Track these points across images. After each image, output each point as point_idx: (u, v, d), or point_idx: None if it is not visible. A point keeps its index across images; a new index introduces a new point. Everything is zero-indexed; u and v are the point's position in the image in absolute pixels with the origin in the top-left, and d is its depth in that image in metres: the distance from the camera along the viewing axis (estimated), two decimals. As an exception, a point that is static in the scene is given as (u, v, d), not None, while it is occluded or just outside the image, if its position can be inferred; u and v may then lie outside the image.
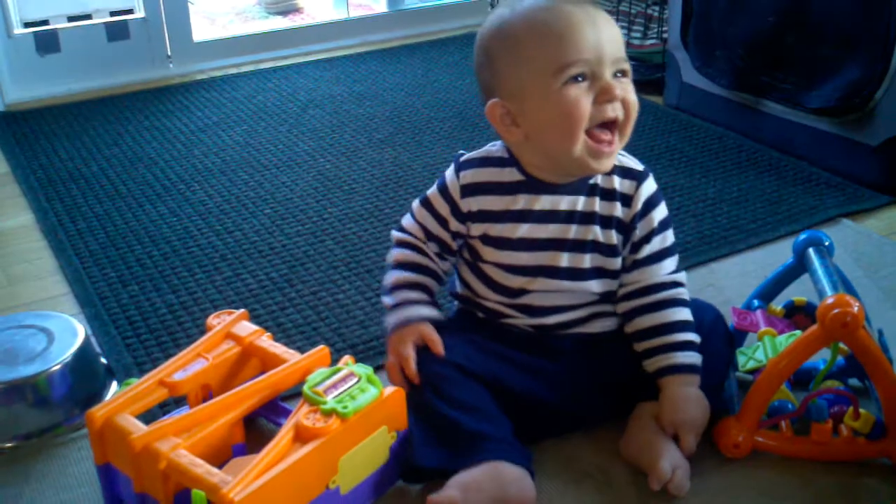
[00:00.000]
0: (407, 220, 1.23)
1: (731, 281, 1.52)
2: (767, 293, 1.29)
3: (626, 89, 1.08)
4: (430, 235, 1.20)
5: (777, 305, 1.28)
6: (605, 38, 1.06)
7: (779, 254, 1.56)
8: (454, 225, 1.18)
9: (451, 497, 0.99)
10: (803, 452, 1.12)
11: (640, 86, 2.40)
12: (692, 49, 2.20)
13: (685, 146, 2.08)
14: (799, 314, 1.26)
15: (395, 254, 1.21)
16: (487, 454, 1.03)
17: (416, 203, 1.22)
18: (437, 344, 1.12)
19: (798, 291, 1.29)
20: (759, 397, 1.10)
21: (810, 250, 1.23)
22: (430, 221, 1.19)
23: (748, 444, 1.11)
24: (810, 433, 1.11)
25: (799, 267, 1.25)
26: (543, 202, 1.14)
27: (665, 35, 2.40)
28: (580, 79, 1.05)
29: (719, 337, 1.19)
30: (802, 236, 1.25)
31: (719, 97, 2.16)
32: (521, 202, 1.14)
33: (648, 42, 2.49)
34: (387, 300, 1.19)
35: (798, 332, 1.15)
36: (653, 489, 1.05)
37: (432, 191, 1.20)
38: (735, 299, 1.39)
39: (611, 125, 1.08)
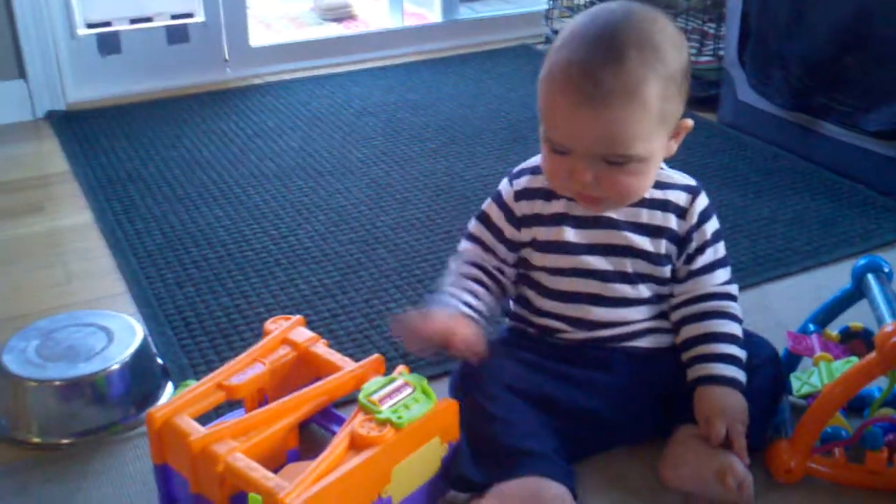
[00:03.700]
0: (463, 244, 1.23)
1: (785, 303, 1.51)
2: (824, 318, 1.28)
3: (607, 176, 1.06)
4: (486, 248, 1.20)
5: (833, 330, 1.27)
6: (588, 135, 1.03)
7: (833, 277, 1.55)
8: (509, 232, 1.18)
9: None
10: (857, 480, 1.11)
11: (695, 103, 2.42)
12: (748, 67, 2.19)
13: (739, 165, 2.07)
14: (855, 340, 1.25)
15: (453, 261, 1.21)
16: (528, 469, 1.04)
17: (472, 223, 1.23)
18: (480, 351, 1.10)
19: (853, 316, 1.28)
20: (814, 423, 1.09)
21: (869, 276, 1.22)
22: (486, 235, 1.20)
23: (801, 470, 1.10)
24: (864, 461, 1.10)
25: (857, 292, 1.24)
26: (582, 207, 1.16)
27: (720, 52, 2.39)
28: (559, 151, 1.07)
29: (769, 375, 1.17)
30: (862, 262, 1.24)
31: (775, 116, 2.15)
32: (563, 206, 1.16)
33: (703, 59, 2.48)
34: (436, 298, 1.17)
35: (854, 359, 1.14)
36: (729, 488, 1.03)
37: (487, 204, 1.22)
38: (788, 321, 1.38)
39: (583, 195, 1.10)
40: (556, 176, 1.10)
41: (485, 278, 1.18)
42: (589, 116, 1.03)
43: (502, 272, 1.20)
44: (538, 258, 1.18)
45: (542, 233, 1.17)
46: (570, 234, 1.16)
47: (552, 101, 1.06)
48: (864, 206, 1.86)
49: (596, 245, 1.16)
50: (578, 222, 1.16)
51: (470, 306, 1.14)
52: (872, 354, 1.05)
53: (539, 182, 1.18)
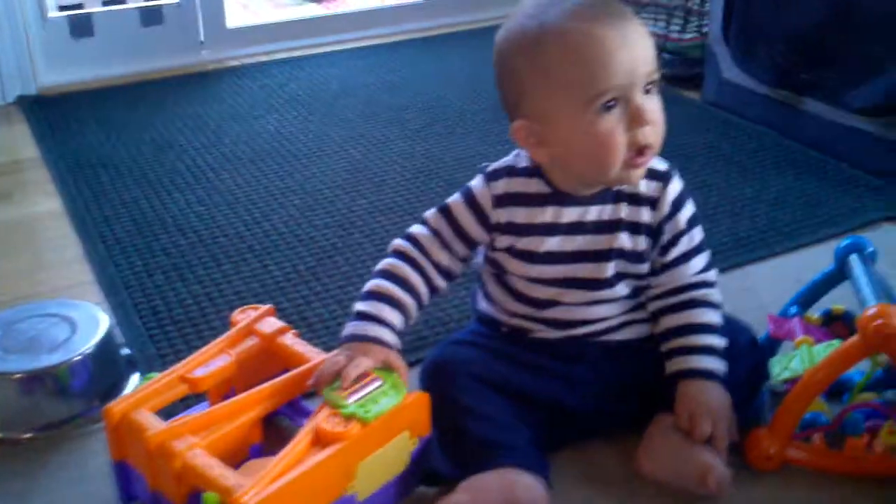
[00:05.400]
0: (417, 229, 1.14)
1: (767, 284, 1.48)
2: (806, 300, 1.25)
3: (655, 108, 1.03)
4: (442, 244, 1.12)
5: (814, 313, 1.24)
6: (639, 58, 1.00)
7: (817, 257, 1.52)
8: (476, 233, 1.12)
9: (459, 501, 0.98)
10: (837, 467, 1.08)
11: (678, 81, 2.37)
12: (733, 44, 2.15)
13: (722, 144, 2.04)
14: (837, 323, 1.22)
15: (387, 262, 1.12)
16: (500, 461, 1.01)
17: (430, 212, 1.14)
18: (405, 374, 1.06)
19: (835, 298, 1.25)
20: (794, 409, 1.07)
21: (852, 257, 1.19)
22: (445, 231, 1.12)
23: (780, 457, 1.08)
24: (844, 447, 1.08)
25: (839, 274, 1.21)
26: (571, 214, 1.10)
27: (705, 30, 2.35)
28: (611, 104, 1.00)
29: (748, 364, 1.14)
30: (845, 242, 1.21)
31: (759, 94, 2.11)
32: (548, 215, 1.10)
33: (688, 36, 2.44)
34: (359, 305, 1.09)
35: (836, 342, 1.12)
36: (710, 488, 1.01)
37: (454, 200, 1.13)
38: (771, 303, 1.35)
39: (643, 147, 1.03)
40: (615, 143, 1.01)
41: (417, 282, 1.10)
42: (635, 34, 1.01)
43: (446, 273, 1.13)
44: (516, 266, 1.12)
45: (523, 242, 1.11)
46: (554, 243, 1.10)
47: (597, 40, 0.99)
48: (849, 184, 1.83)
49: (580, 252, 1.11)
50: (565, 230, 1.10)
51: (393, 329, 1.07)
52: (854, 338, 1.03)
53: (518, 186, 1.11)
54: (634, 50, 1.00)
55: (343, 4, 3.20)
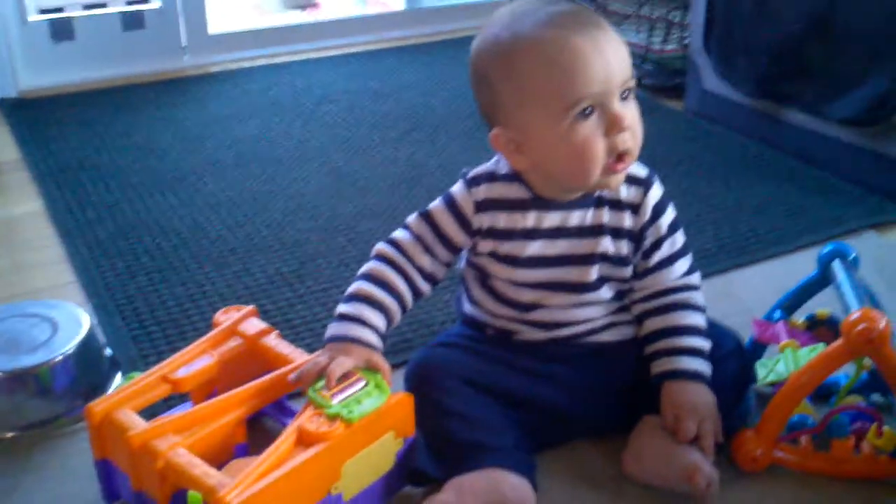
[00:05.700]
0: (400, 233, 1.13)
1: (750, 291, 1.49)
2: (790, 305, 1.25)
3: (632, 114, 1.03)
4: (424, 248, 1.12)
5: (799, 318, 1.24)
6: (614, 65, 1.00)
7: (799, 265, 1.52)
8: (459, 239, 1.11)
9: (445, 500, 0.98)
10: (823, 469, 1.09)
11: (660, 91, 2.38)
12: (714, 55, 2.17)
13: (705, 153, 2.05)
14: (821, 327, 1.22)
15: (370, 265, 1.11)
16: (486, 462, 1.01)
17: (412, 217, 1.14)
18: (388, 375, 1.05)
19: (820, 304, 1.26)
20: (780, 411, 1.07)
21: (836, 262, 1.19)
22: (428, 235, 1.12)
23: (767, 459, 1.08)
24: (831, 449, 1.08)
25: (823, 279, 1.22)
26: (553, 219, 1.10)
27: (686, 41, 2.36)
28: (588, 111, 1.00)
29: (733, 368, 1.14)
30: (828, 248, 1.21)
31: (740, 105, 2.13)
32: (530, 220, 1.10)
33: (669, 47, 2.46)
34: (342, 307, 1.09)
35: (820, 346, 1.12)
36: (697, 487, 1.01)
37: (436, 205, 1.13)
38: (753, 309, 1.35)
39: (622, 153, 1.03)
40: (594, 151, 1.01)
41: (400, 286, 1.10)
42: (609, 42, 1.01)
43: (429, 277, 1.12)
44: (499, 269, 1.12)
45: (505, 246, 1.11)
46: (537, 248, 1.10)
47: (571, 49, 0.99)
48: (830, 193, 1.84)
49: (563, 256, 1.11)
50: (547, 234, 1.10)
51: (375, 330, 1.07)
52: (839, 342, 1.03)
53: (499, 191, 1.11)
54: (609, 58, 1.00)
55: (326, 12, 3.20)
